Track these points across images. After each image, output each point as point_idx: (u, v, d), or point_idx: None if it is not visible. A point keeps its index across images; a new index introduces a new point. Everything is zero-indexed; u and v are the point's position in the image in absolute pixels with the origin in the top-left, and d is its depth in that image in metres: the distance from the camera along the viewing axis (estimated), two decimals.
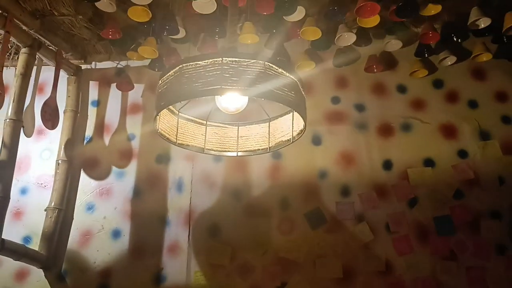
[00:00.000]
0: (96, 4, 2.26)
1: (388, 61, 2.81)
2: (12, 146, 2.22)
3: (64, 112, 2.78)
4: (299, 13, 2.28)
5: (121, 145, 2.81)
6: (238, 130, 1.77)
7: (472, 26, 2.43)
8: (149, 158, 2.77)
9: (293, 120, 1.64)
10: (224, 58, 1.31)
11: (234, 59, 1.32)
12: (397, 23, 2.52)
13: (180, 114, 1.70)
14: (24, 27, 2.35)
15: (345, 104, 2.80)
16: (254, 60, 1.33)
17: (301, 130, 1.61)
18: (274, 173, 2.68)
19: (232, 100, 1.54)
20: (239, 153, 1.75)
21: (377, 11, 2.13)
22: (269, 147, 1.73)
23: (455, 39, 2.49)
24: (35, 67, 2.58)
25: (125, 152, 2.79)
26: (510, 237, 2.42)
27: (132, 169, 2.75)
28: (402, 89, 2.81)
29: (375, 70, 2.77)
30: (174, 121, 1.68)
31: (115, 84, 2.86)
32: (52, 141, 2.82)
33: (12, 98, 2.29)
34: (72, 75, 2.85)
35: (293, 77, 1.40)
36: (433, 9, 2.35)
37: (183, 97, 1.32)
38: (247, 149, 1.76)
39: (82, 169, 2.77)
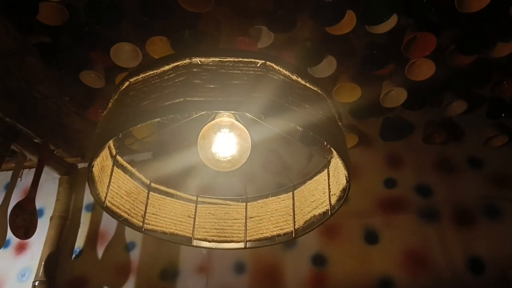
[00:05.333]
0: (81, 78, 1.86)
1: (452, 128, 2.19)
2: None
3: (50, 219, 2.26)
4: (329, 65, 1.76)
5: (117, 258, 2.19)
6: (246, 208, 1.14)
7: None
8: (151, 273, 2.12)
9: (328, 177, 1.01)
10: (193, 58, 0.76)
11: (210, 59, 0.77)
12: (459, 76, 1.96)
13: (152, 185, 1.12)
14: None
15: (403, 187, 2.13)
16: (244, 59, 0.77)
17: (343, 190, 0.96)
18: (316, 286, 1.94)
19: (224, 142, 0.94)
20: (249, 244, 1.10)
21: (434, 44, 1.59)
22: (295, 230, 1.07)
23: None
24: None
25: (122, 267, 2.16)
26: None
27: None
28: (475, 163, 2.14)
29: (437, 140, 2.14)
30: (141, 195, 1.09)
31: None
32: (34, 256, 2.24)
33: None
34: (64, 175, 2.38)
35: (317, 90, 0.82)
36: (505, 49, 1.78)
37: (120, 128, 0.75)
38: (261, 235, 1.11)
39: None
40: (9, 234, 1.91)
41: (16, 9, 1.51)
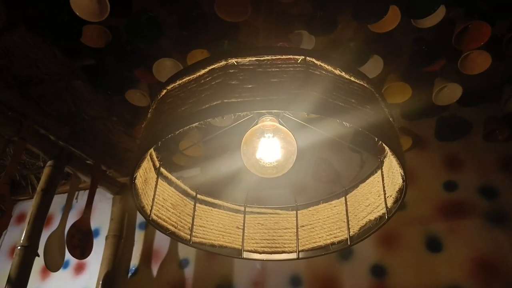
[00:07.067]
0: (127, 97, 1.89)
1: None
2: (19, 283, 1.70)
3: (106, 239, 2.30)
4: (375, 65, 1.69)
5: (172, 275, 2.19)
6: (296, 216, 1.09)
7: None
8: None
9: (383, 178, 0.93)
10: (229, 59, 0.73)
11: (247, 58, 0.73)
12: None
13: (198, 196, 1.09)
14: (51, 137, 2.01)
15: (466, 190, 1.99)
16: (282, 56, 0.72)
17: (399, 191, 0.88)
18: None
19: (268, 147, 0.90)
20: (301, 254, 1.05)
21: (488, 34, 1.48)
22: (350, 237, 1.00)
23: None
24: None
25: (177, 284, 2.16)
26: None
27: None
28: None
29: (499, 137, 1.99)
30: (187, 207, 1.06)
31: None
32: (92, 276, 2.28)
33: (28, 219, 1.85)
34: (117, 194, 2.42)
35: (364, 83, 0.76)
36: None
37: (158, 136, 0.73)
38: (314, 245, 1.05)
39: None
40: (68, 255, 1.95)
41: (61, 34, 1.55)
